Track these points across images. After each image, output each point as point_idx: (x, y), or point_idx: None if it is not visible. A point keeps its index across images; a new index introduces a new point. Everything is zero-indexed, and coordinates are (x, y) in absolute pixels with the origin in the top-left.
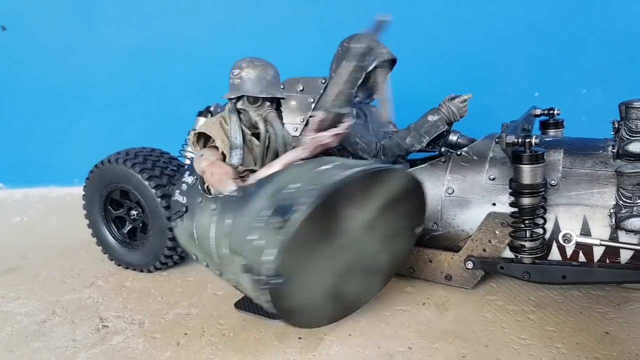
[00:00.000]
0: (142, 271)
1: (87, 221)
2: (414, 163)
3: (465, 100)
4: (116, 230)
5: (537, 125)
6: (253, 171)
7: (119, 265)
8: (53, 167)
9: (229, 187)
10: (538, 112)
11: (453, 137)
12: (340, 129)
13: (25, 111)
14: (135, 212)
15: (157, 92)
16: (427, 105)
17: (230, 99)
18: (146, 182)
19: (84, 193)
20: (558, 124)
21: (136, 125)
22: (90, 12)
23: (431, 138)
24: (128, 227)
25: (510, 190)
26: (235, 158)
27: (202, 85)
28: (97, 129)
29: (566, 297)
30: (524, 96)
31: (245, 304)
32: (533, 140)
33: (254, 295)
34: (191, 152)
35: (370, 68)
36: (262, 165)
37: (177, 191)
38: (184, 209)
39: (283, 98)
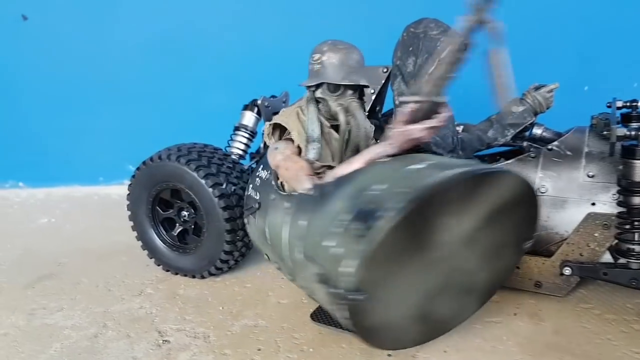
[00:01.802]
0: (194, 277)
1: (131, 223)
2: (493, 158)
3: (552, 90)
4: (165, 232)
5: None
6: (331, 167)
7: (167, 270)
8: (75, 164)
9: (305, 184)
10: (619, 104)
11: (537, 131)
12: (436, 121)
13: (44, 106)
14: (186, 213)
15: (185, 85)
16: (464, 98)
17: (309, 87)
18: (202, 181)
19: (128, 192)
20: None
21: (165, 120)
22: (113, 1)
23: (517, 131)
24: (178, 230)
25: (619, 188)
26: (312, 152)
27: (233, 78)
28: (122, 125)
29: None
30: (572, 89)
31: (322, 315)
32: None
33: (330, 308)
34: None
35: (445, 54)
36: (341, 161)
37: (251, 186)
38: (257, 205)
39: (367, 86)
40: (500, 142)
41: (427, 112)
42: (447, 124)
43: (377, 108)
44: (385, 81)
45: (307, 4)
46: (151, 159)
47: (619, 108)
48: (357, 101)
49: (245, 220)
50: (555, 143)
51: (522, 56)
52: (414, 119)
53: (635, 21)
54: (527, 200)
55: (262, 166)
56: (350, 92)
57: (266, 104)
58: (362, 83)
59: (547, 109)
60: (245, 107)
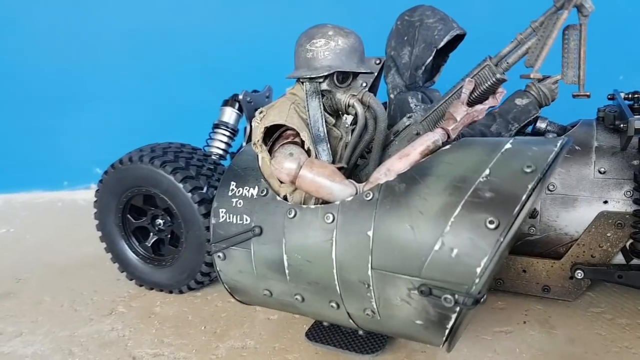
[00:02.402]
0: (171, 292)
1: (99, 233)
2: None
3: (557, 81)
4: (137, 243)
5: None
6: (341, 169)
7: (141, 285)
8: (37, 168)
9: (349, 189)
10: (622, 95)
11: (541, 124)
12: (493, 100)
13: (3, 105)
14: (161, 221)
15: (159, 79)
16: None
17: (312, 80)
18: (180, 185)
19: (95, 199)
20: None
21: (137, 117)
22: None
23: (521, 125)
24: (152, 240)
25: (635, 185)
26: (324, 155)
27: (213, 71)
28: (88, 123)
29: None
30: (560, 82)
31: (318, 333)
32: None
33: (417, 326)
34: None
35: (443, 43)
36: (348, 161)
37: (223, 210)
38: (256, 230)
39: (372, 73)
40: (504, 137)
41: (487, 91)
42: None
43: None
44: (378, 73)
45: None
46: (120, 161)
47: None
48: (369, 92)
49: (217, 257)
50: None
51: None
52: (472, 100)
53: (619, 13)
54: None
55: (235, 183)
56: (360, 82)
57: (248, 99)
58: (373, 71)
59: (553, 101)
60: (226, 103)
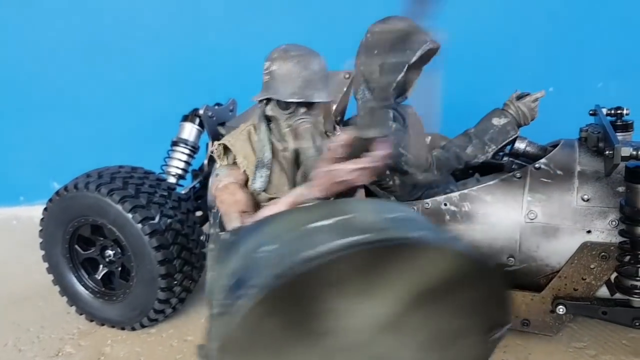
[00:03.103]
0: (123, 329)
1: (45, 264)
2: (465, 173)
3: (537, 99)
4: (87, 276)
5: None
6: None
7: (92, 321)
8: None
9: (233, 223)
10: (604, 111)
11: (520, 145)
12: (369, 160)
13: None
14: (111, 252)
15: (118, 90)
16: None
17: (261, 101)
18: (128, 215)
19: (41, 228)
20: (627, 126)
21: (95, 129)
22: None
23: (499, 147)
24: (102, 272)
25: (620, 216)
26: (259, 181)
27: (173, 82)
28: (46, 135)
29: None
30: (536, 90)
31: None
32: None
33: None
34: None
35: (415, 59)
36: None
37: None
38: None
39: (327, 102)
40: (480, 160)
41: (360, 148)
42: (419, 139)
43: (338, 119)
44: (348, 88)
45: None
46: (66, 188)
47: None
48: (310, 122)
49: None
50: (543, 160)
51: (485, 57)
52: (345, 156)
53: (598, 20)
54: (486, 276)
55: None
56: (302, 110)
57: (209, 113)
58: (316, 100)
59: (532, 120)
60: (185, 118)
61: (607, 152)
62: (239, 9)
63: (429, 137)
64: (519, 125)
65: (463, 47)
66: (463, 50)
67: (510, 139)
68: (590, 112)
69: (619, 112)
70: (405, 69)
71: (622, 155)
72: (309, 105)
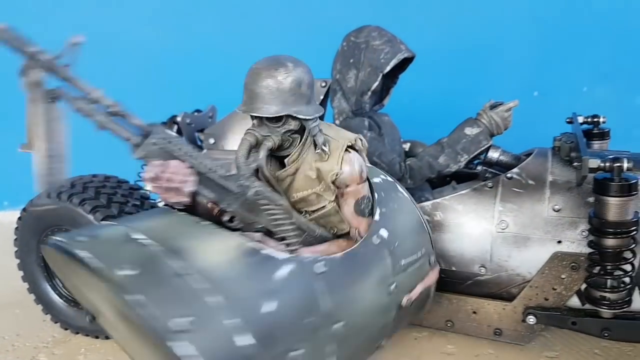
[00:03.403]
0: (97, 337)
1: (21, 272)
2: (442, 180)
3: (510, 109)
4: (61, 284)
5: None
6: None
7: (66, 329)
8: None
9: None
10: (581, 119)
11: (494, 154)
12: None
13: None
14: None
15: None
16: (414, 106)
17: None
18: None
19: (15, 237)
20: (604, 134)
21: (79, 138)
22: None
23: (471, 157)
24: None
25: (590, 227)
26: None
27: (163, 89)
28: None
29: (636, 347)
30: (522, 95)
31: None
32: (625, 165)
33: None
34: None
35: (389, 68)
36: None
37: None
38: None
39: (277, 118)
40: (452, 169)
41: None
42: (394, 148)
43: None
44: (325, 96)
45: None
46: (39, 197)
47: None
48: (253, 134)
49: None
50: (516, 170)
51: (469, 61)
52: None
53: (584, 24)
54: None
55: None
56: (255, 122)
57: (188, 120)
58: (257, 113)
59: (505, 129)
60: (163, 125)
61: (575, 164)
62: (222, 16)
63: (408, 144)
64: (492, 135)
65: (448, 51)
66: (448, 54)
67: (483, 148)
68: (567, 120)
69: (595, 120)
70: (380, 78)
71: (590, 167)
72: (268, 118)
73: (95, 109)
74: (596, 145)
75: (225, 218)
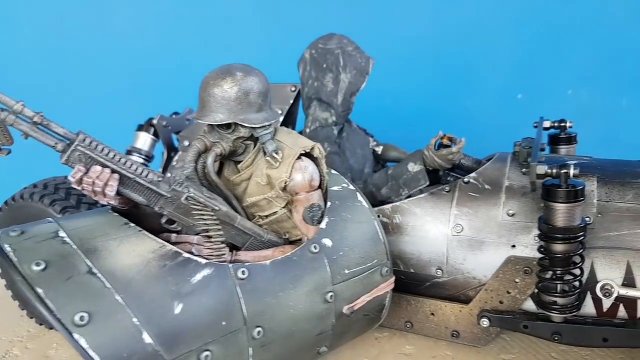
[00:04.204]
0: None
1: None
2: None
3: (454, 153)
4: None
5: (546, 140)
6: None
7: (41, 324)
8: None
9: None
10: (547, 124)
11: None
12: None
13: None
14: None
15: (80, 98)
16: (398, 108)
17: None
18: None
19: None
20: (571, 139)
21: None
22: None
23: (411, 192)
24: None
25: (539, 233)
26: None
27: (132, 89)
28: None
29: (594, 351)
30: (505, 98)
31: None
32: (571, 171)
33: None
34: None
35: (371, 71)
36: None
37: None
38: None
39: (227, 125)
40: (394, 202)
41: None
42: (355, 152)
43: (289, 129)
44: (295, 100)
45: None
46: (13, 198)
47: (545, 129)
48: (202, 140)
49: None
50: (473, 175)
51: (453, 62)
52: None
53: (569, 26)
54: None
55: None
56: (206, 128)
57: (164, 123)
58: (201, 120)
59: (451, 165)
60: (140, 128)
61: (523, 170)
62: (202, 19)
63: (380, 147)
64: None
65: (431, 53)
66: (431, 56)
67: (421, 187)
68: (535, 124)
69: (562, 124)
70: (366, 80)
71: (537, 172)
72: (219, 125)
73: (18, 120)
74: (563, 150)
75: (163, 220)
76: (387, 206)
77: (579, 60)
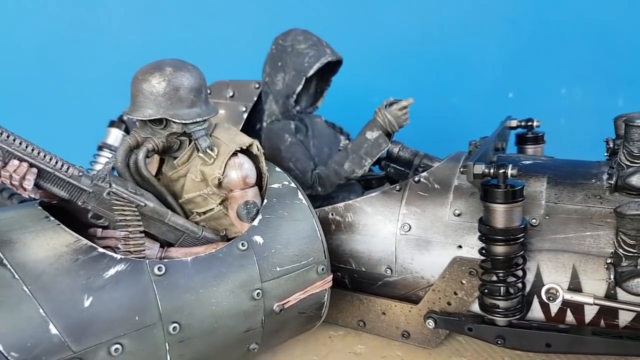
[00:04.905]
0: None
1: None
2: (369, 184)
3: (404, 107)
4: None
5: (513, 140)
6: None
7: None
8: None
9: None
10: (514, 123)
11: (394, 149)
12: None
13: None
14: None
15: (55, 94)
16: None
17: None
18: None
19: None
20: (538, 139)
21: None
22: None
23: (374, 160)
24: None
25: (480, 235)
26: None
27: (107, 83)
28: None
29: (548, 357)
30: (496, 96)
31: None
32: (509, 171)
33: None
34: None
35: (312, 72)
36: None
37: None
38: None
39: (159, 120)
40: (359, 174)
41: None
42: (322, 149)
43: (257, 126)
44: (259, 97)
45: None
46: None
47: (512, 128)
48: (134, 135)
49: None
50: (424, 174)
51: (443, 60)
52: None
53: (561, 24)
54: None
55: None
56: (138, 124)
57: (135, 119)
58: (129, 115)
59: (401, 127)
60: (112, 124)
61: (461, 170)
62: (183, 15)
63: (347, 142)
64: (389, 134)
65: (422, 51)
66: (422, 54)
67: (383, 150)
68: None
69: (529, 124)
70: (303, 81)
71: (475, 172)
72: (151, 121)
73: None
74: (530, 150)
75: (89, 215)
76: (340, 204)
77: (572, 58)
